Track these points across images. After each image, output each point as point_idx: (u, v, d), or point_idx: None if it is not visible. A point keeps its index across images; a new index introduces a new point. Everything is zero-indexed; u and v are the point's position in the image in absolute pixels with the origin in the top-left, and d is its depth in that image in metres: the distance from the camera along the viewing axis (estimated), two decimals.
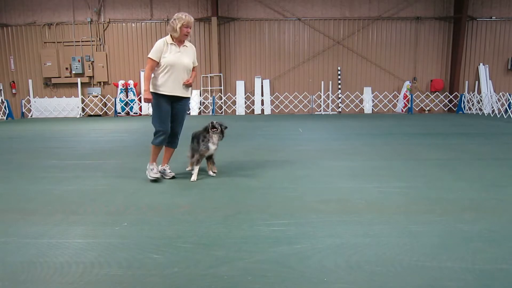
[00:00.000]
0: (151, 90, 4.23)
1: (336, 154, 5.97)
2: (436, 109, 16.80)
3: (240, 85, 16.57)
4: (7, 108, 15.49)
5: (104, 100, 16.75)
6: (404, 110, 16.49)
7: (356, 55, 16.56)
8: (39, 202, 3.56)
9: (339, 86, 16.67)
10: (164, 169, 4.50)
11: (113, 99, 16.50)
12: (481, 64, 16.43)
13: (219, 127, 4.35)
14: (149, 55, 4.20)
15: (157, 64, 4.20)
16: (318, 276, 2.06)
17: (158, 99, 4.24)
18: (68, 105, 16.65)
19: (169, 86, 4.22)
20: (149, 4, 16.37)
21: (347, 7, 16.32)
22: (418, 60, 16.61)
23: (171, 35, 4.26)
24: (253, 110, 16.76)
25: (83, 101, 16.60)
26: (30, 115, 16.59)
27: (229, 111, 16.70)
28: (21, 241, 2.60)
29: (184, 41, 4.35)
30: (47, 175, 4.71)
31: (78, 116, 16.43)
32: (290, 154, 6.06)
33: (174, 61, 4.21)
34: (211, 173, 4.59)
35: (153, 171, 4.35)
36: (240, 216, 3.06)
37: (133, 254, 2.37)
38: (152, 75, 4.27)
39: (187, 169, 4.80)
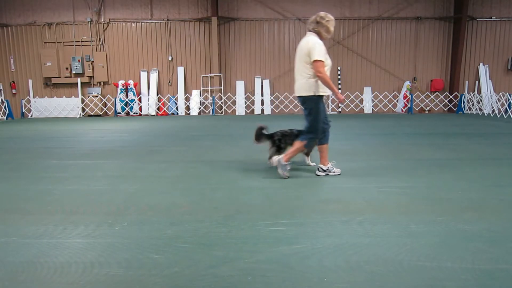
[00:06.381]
0: (315, 93, 4.13)
1: (336, 154, 5.96)
2: (436, 109, 16.80)
3: (240, 85, 16.57)
4: (7, 108, 15.49)
5: (104, 100, 16.75)
6: (404, 110, 16.49)
7: (356, 55, 16.56)
8: (39, 202, 3.56)
9: (339, 86, 16.67)
10: (328, 167, 4.51)
11: (113, 99, 16.50)
12: (481, 64, 16.43)
13: None
14: (319, 58, 4.00)
15: None
16: (318, 276, 2.06)
17: (321, 102, 4.20)
18: (68, 105, 16.65)
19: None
20: (149, 4, 16.37)
21: (347, 7, 16.32)
22: (418, 60, 16.60)
23: (319, 35, 4.16)
24: (253, 110, 16.76)
25: (83, 101, 16.60)
26: (30, 115, 16.59)
27: (229, 111, 16.70)
28: (21, 241, 2.60)
29: None
30: (47, 175, 4.71)
31: (78, 116, 16.44)
32: None
33: (331, 62, 4.24)
34: (313, 163, 5.10)
35: (286, 171, 4.38)
36: (240, 216, 3.06)
37: (133, 254, 2.37)
38: (308, 76, 4.14)
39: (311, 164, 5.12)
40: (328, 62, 4.17)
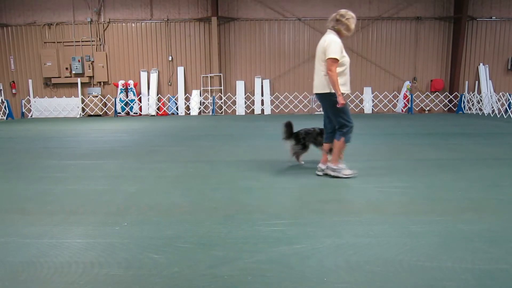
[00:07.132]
0: (330, 90, 4.11)
1: None
2: (436, 109, 16.79)
3: (240, 85, 16.56)
4: (7, 108, 15.48)
5: (104, 100, 16.75)
6: (404, 110, 16.49)
7: (356, 55, 16.55)
8: (39, 202, 3.56)
9: None
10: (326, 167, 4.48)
11: (113, 99, 16.50)
12: (481, 64, 16.43)
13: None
14: (334, 56, 4.01)
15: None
16: (318, 276, 2.06)
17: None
18: (68, 105, 16.65)
19: (347, 85, 4.21)
20: (149, 4, 16.36)
21: (346, 7, 16.06)
22: (418, 60, 16.60)
23: (338, 33, 4.18)
24: (253, 110, 16.76)
25: (83, 101, 16.60)
26: (30, 115, 16.59)
27: (229, 111, 16.69)
28: (21, 241, 2.60)
29: None
30: (47, 175, 4.71)
31: (78, 116, 16.43)
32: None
33: (349, 59, 4.23)
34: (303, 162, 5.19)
35: (347, 169, 4.30)
36: (240, 216, 3.06)
37: (133, 254, 2.37)
38: (324, 74, 4.12)
39: (301, 162, 5.12)
40: (345, 60, 4.15)
